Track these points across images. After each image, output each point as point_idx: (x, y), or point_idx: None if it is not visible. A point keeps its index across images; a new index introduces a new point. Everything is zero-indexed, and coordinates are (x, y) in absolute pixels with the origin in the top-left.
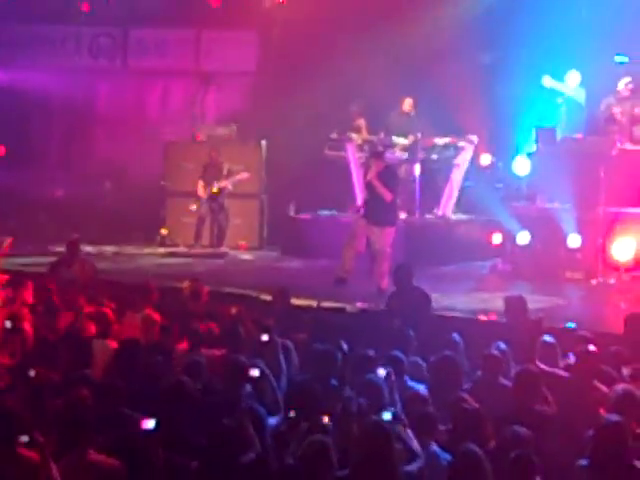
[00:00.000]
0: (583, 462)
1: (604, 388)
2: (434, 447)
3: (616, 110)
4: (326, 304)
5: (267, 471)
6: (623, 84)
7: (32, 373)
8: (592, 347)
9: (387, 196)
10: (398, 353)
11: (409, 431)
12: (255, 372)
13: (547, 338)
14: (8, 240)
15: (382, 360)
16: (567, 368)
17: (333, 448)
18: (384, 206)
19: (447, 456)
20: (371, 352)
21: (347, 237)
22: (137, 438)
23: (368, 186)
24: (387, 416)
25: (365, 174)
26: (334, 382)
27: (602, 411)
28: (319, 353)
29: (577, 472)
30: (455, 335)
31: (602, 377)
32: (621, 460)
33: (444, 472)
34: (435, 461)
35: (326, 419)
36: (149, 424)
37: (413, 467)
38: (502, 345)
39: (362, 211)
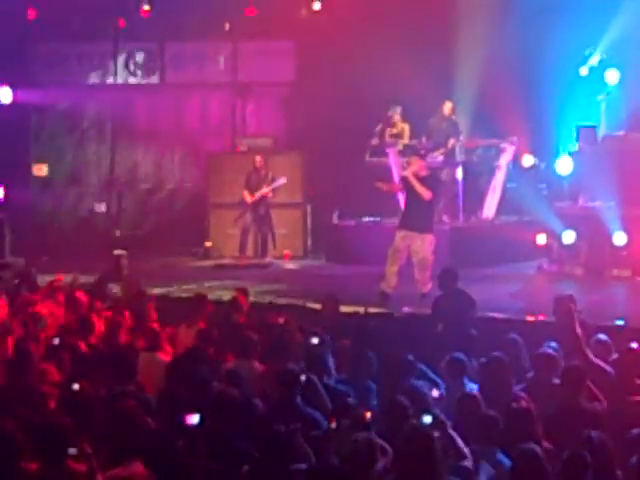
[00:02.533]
0: (634, 460)
1: None
2: (499, 455)
3: None
4: (373, 310)
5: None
6: None
7: (76, 387)
8: (634, 344)
9: (426, 194)
10: (459, 355)
11: (453, 432)
12: (302, 377)
13: (601, 336)
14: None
15: (445, 361)
16: (611, 364)
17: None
18: (423, 211)
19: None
20: (410, 356)
21: (390, 251)
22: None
23: (404, 185)
24: (427, 419)
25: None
26: (371, 385)
27: None
28: (354, 355)
29: (629, 470)
30: (514, 335)
31: None
32: None
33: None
34: (500, 470)
35: (369, 415)
36: (193, 419)
37: (467, 463)
38: (553, 344)
39: (399, 221)
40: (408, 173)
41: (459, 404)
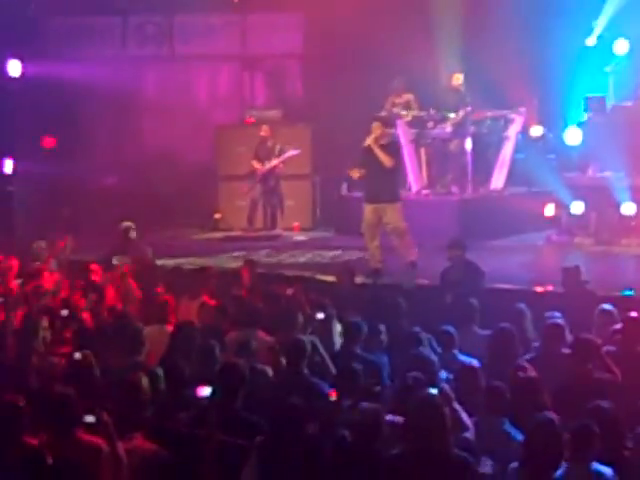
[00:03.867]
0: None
1: None
2: (507, 426)
3: None
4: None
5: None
6: None
7: (78, 356)
8: (633, 313)
9: (388, 162)
10: (449, 327)
11: (457, 405)
12: (308, 347)
13: (606, 306)
14: (64, 241)
15: (432, 335)
16: (614, 335)
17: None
18: (388, 180)
19: (520, 437)
20: (417, 328)
21: (363, 226)
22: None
23: (367, 155)
24: (433, 392)
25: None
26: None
27: None
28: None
29: (636, 439)
30: (522, 305)
31: None
32: None
33: (517, 451)
34: (507, 441)
35: (378, 387)
36: (205, 391)
37: (468, 435)
38: (557, 314)
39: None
40: (370, 141)
41: (459, 376)
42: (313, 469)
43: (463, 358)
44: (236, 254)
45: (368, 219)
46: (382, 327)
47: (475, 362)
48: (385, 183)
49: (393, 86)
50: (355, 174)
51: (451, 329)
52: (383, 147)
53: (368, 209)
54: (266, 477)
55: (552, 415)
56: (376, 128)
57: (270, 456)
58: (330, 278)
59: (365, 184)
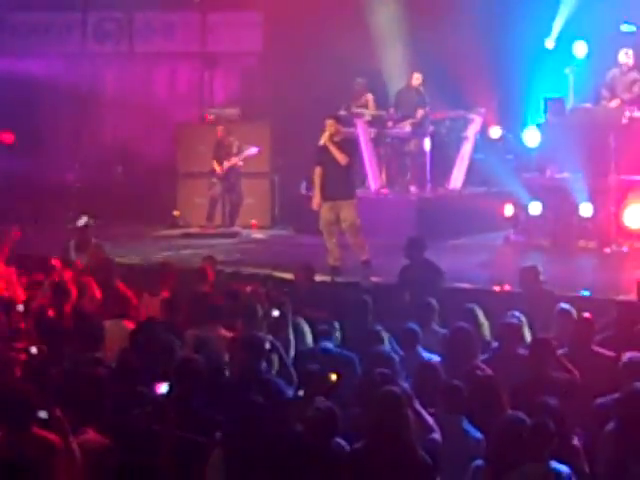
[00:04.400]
0: (610, 426)
1: (607, 352)
2: (465, 424)
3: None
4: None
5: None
6: (624, 55)
7: (34, 350)
8: (586, 314)
9: (343, 160)
10: (413, 325)
11: (419, 406)
12: (266, 345)
13: (564, 305)
14: (14, 232)
15: (397, 332)
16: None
17: (338, 412)
18: (344, 177)
19: (478, 435)
20: (378, 327)
21: (321, 224)
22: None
23: (322, 154)
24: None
25: (374, 152)
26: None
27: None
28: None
29: (605, 436)
30: (473, 305)
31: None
32: None
33: (475, 449)
34: (465, 438)
35: (334, 377)
36: (162, 388)
37: (435, 436)
38: (517, 314)
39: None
40: (325, 139)
41: (419, 374)
42: (273, 466)
43: (426, 355)
44: (194, 251)
45: (325, 217)
46: (336, 324)
47: (436, 359)
48: (341, 180)
49: (354, 89)
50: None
51: (414, 326)
52: (337, 144)
53: (325, 207)
54: (232, 474)
55: (521, 415)
56: (330, 125)
57: (235, 453)
58: (289, 276)
59: (322, 182)
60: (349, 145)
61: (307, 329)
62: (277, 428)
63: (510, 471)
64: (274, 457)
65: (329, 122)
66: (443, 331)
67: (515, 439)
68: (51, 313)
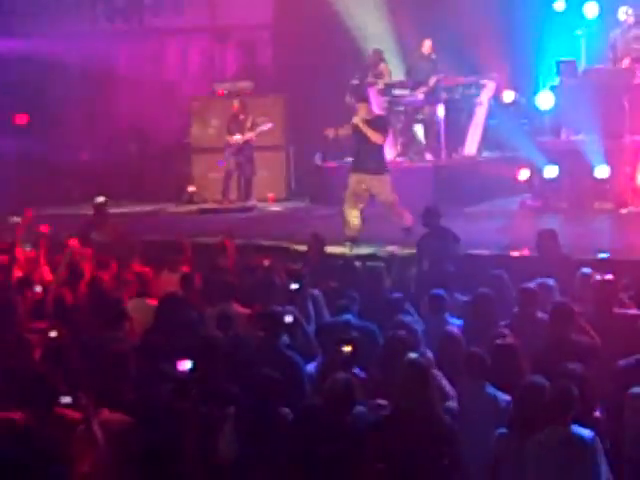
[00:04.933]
0: (636, 390)
1: (630, 311)
2: (489, 388)
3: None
4: (358, 251)
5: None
6: (623, 13)
7: (53, 334)
8: (609, 276)
9: (378, 139)
10: (439, 291)
11: (438, 372)
12: (289, 318)
13: (585, 270)
14: (27, 214)
15: (424, 298)
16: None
17: (354, 384)
18: (375, 153)
19: (506, 397)
20: (398, 294)
21: (346, 194)
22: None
23: (354, 130)
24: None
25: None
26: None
27: None
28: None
29: (630, 399)
30: (499, 270)
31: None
32: None
33: (505, 412)
34: (491, 403)
35: (348, 348)
36: (185, 365)
37: (452, 404)
38: (544, 280)
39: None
40: (357, 120)
41: (441, 344)
42: (287, 439)
43: (454, 321)
44: (211, 226)
45: (352, 187)
46: (355, 295)
47: (457, 328)
48: (372, 155)
49: (368, 59)
50: (331, 133)
51: (442, 292)
52: (369, 123)
53: (353, 177)
54: (245, 447)
55: (541, 379)
56: (361, 108)
57: (247, 427)
58: (303, 247)
59: (353, 154)
60: (381, 122)
61: (323, 301)
62: (293, 402)
63: (532, 435)
64: (288, 430)
65: (360, 105)
66: (464, 298)
67: (535, 403)
68: (67, 293)
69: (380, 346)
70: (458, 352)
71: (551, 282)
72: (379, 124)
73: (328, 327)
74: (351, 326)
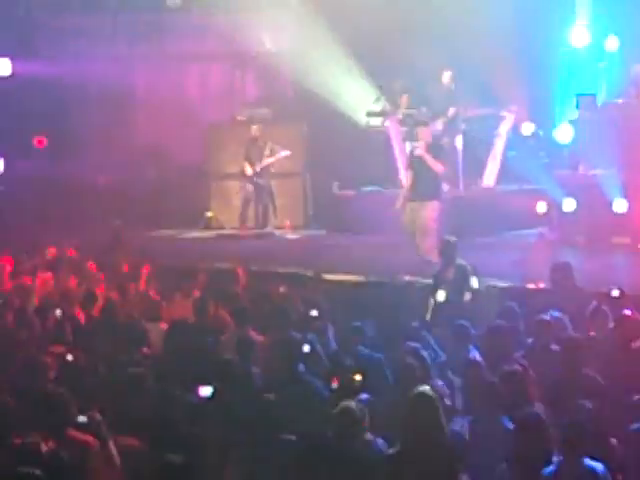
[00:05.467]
0: (636, 426)
1: None
2: (505, 421)
3: None
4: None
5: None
6: None
7: (70, 357)
8: (627, 311)
9: (439, 168)
10: (463, 321)
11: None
12: (306, 348)
13: (599, 304)
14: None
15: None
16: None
17: (363, 411)
18: (432, 179)
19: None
20: (415, 323)
21: (405, 228)
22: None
23: (416, 162)
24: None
25: (406, 151)
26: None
27: None
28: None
29: (632, 436)
30: (513, 304)
31: None
32: None
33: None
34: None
35: (358, 377)
36: (206, 391)
37: (457, 426)
38: (556, 313)
39: (407, 194)
40: (421, 151)
41: (464, 372)
42: (293, 467)
43: (476, 353)
44: (227, 253)
45: (407, 218)
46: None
47: (478, 357)
48: (429, 180)
49: (392, 90)
50: (398, 204)
51: (466, 323)
52: (432, 150)
53: (409, 207)
54: (251, 475)
55: (537, 408)
56: (424, 133)
57: (253, 455)
58: (327, 276)
59: (411, 184)
60: (439, 149)
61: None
62: (303, 430)
63: (537, 467)
64: (295, 458)
65: (422, 130)
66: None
67: (534, 434)
68: (82, 317)
69: (386, 375)
70: (480, 380)
71: (564, 316)
72: (437, 151)
73: (337, 356)
74: (359, 355)
